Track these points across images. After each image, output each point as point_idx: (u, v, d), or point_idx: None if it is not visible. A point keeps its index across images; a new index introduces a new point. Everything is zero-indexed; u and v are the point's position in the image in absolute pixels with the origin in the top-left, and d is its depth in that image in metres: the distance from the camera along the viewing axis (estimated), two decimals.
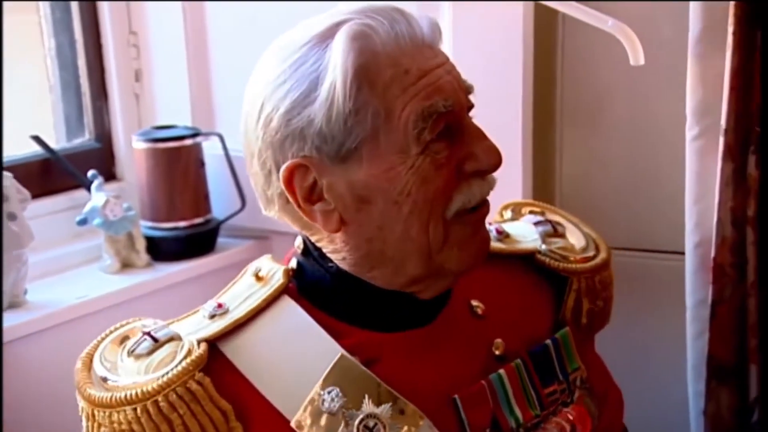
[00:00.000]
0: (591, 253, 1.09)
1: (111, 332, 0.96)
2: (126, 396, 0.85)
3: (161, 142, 1.78)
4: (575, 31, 1.67)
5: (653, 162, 1.68)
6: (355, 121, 0.85)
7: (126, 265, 1.75)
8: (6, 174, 1.54)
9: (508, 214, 1.17)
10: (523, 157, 1.63)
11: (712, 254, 1.43)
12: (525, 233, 1.09)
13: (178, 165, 1.79)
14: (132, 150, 1.83)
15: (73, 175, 1.76)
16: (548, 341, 1.00)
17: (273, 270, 0.95)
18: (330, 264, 0.93)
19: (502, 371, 0.94)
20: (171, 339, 0.90)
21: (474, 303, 0.98)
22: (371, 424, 0.86)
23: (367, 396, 0.87)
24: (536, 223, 1.10)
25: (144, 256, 1.76)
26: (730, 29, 1.32)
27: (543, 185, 1.74)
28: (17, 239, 1.54)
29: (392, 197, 0.86)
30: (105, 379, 0.89)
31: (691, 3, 1.38)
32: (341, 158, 0.86)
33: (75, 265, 1.75)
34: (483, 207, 0.91)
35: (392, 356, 0.91)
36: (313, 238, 0.93)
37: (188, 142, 1.80)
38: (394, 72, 0.85)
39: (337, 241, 0.91)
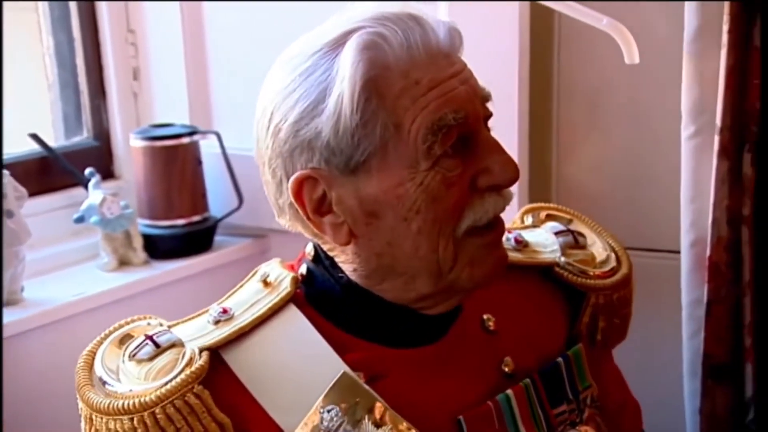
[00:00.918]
0: (611, 267, 1.06)
1: (115, 329, 0.95)
2: (124, 405, 0.85)
3: (159, 140, 1.78)
4: (572, 30, 1.67)
5: (649, 161, 1.68)
6: (363, 134, 0.83)
7: (123, 263, 1.75)
8: (3, 172, 1.55)
9: (528, 219, 1.13)
10: (520, 155, 1.63)
11: (708, 253, 1.43)
12: (545, 243, 1.06)
13: (176, 163, 1.79)
14: (130, 148, 1.84)
15: (70, 173, 1.77)
16: (559, 359, 0.97)
17: (281, 276, 0.93)
18: (341, 274, 0.91)
19: (510, 392, 0.92)
20: (173, 345, 0.89)
21: (486, 317, 0.96)
22: None
23: (366, 417, 0.85)
24: (557, 233, 1.07)
25: (141, 254, 1.76)
26: (725, 27, 1.32)
27: (539, 184, 1.75)
28: (14, 236, 1.55)
29: (401, 214, 0.85)
30: (104, 383, 0.88)
31: (686, 2, 1.38)
32: (350, 171, 0.84)
33: (72, 263, 1.76)
34: (497, 226, 0.89)
35: (398, 373, 0.89)
36: (325, 247, 0.91)
37: (185, 140, 1.80)
38: (405, 83, 0.83)
39: (348, 253, 0.89)
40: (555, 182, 1.77)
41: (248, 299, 0.93)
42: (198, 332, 0.90)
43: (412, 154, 0.83)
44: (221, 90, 1.92)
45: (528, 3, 1.57)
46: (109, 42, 1.89)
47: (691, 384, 1.51)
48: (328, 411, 0.85)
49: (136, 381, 0.87)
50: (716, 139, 1.38)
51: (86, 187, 1.74)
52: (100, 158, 1.92)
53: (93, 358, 0.91)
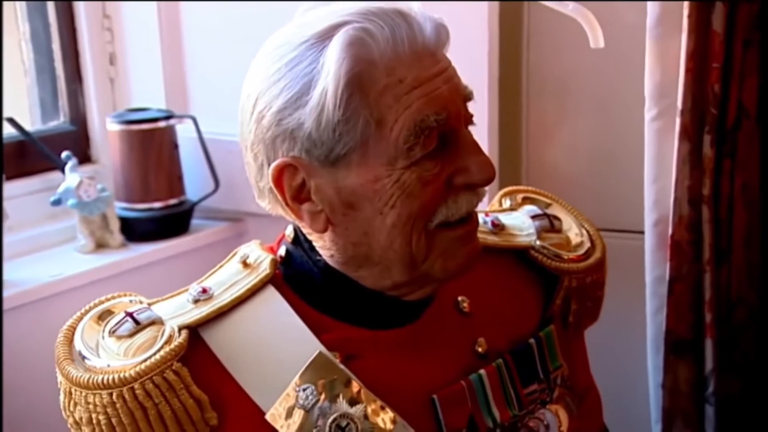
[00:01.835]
0: (585, 251, 1.07)
1: (95, 305, 0.95)
2: (103, 380, 0.86)
3: (135, 124, 1.80)
4: (541, 18, 1.70)
5: (617, 144, 1.72)
6: (345, 129, 0.84)
7: (100, 246, 1.78)
8: None
9: (506, 202, 1.14)
10: (490, 139, 1.66)
11: (670, 232, 1.47)
12: (521, 226, 1.07)
13: (152, 147, 1.81)
14: (106, 132, 1.85)
15: (47, 157, 1.78)
16: (531, 340, 0.99)
17: (261, 258, 0.95)
18: (318, 258, 0.92)
19: (482, 371, 0.94)
20: (153, 323, 0.90)
21: (460, 299, 0.98)
22: (344, 423, 0.87)
23: (341, 395, 0.87)
24: (534, 217, 1.08)
25: (118, 237, 1.78)
26: (685, 12, 1.36)
27: (510, 169, 1.78)
28: None
29: (377, 207, 0.86)
30: (84, 357, 0.89)
31: None
32: (330, 163, 0.85)
33: (50, 246, 1.77)
34: (470, 220, 0.90)
35: (373, 354, 0.91)
36: (305, 230, 0.93)
37: (162, 124, 1.82)
38: (389, 81, 0.84)
39: (326, 239, 0.91)
40: (525, 167, 1.80)
41: (228, 279, 0.94)
42: (177, 310, 0.92)
43: (391, 151, 0.84)
44: (197, 75, 1.93)
45: None
46: (85, 27, 1.90)
47: (654, 359, 1.55)
48: (304, 389, 0.87)
49: (115, 357, 0.88)
50: (677, 121, 1.42)
51: (63, 170, 1.76)
52: (77, 142, 1.93)
53: (73, 333, 0.92)
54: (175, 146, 1.86)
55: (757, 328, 1.49)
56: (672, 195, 1.45)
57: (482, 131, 1.63)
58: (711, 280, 1.45)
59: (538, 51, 1.74)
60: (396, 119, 0.84)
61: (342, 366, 0.88)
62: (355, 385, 0.88)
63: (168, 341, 0.88)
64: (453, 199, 0.87)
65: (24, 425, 1.56)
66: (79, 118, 1.95)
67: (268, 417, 0.87)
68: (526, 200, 1.14)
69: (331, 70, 0.83)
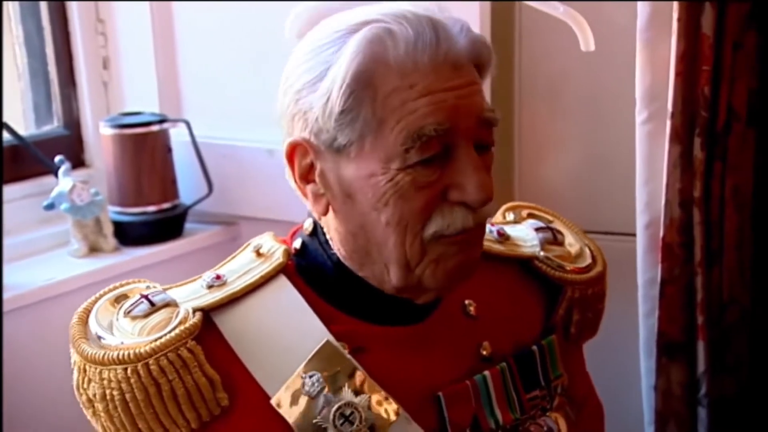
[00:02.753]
0: (587, 264, 1.09)
1: (110, 290, 0.98)
2: (118, 356, 0.87)
3: (128, 128, 1.81)
4: (533, 20, 1.70)
5: (608, 146, 1.72)
6: (346, 121, 0.86)
7: (94, 250, 1.78)
8: None
9: (510, 216, 1.17)
10: None
11: (661, 234, 1.47)
12: (525, 237, 1.09)
13: (145, 151, 1.82)
14: (100, 136, 1.86)
15: (41, 162, 1.79)
16: (534, 347, 1.01)
17: (274, 248, 0.97)
18: (332, 252, 0.94)
19: (487, 373, 0.95)
20: (167, 305, 0.92)
21: (467, 302, 0.99)
22: (348, 412, 0.88)
23: (347, 384, 0.89)
24: (537, 229, 1.10)
25: (111, 241, 1.78)
26: (675, 15, 1.36)
27: (502, 170, 1.78)
28: None
29: (371, 203, 0.88)
30: (100, 338, 0.91)
31: None
32: (335, 150, 0.88)
33: (43, 250, 1.77)
34: (467, 232, 0.89)
35: (380, 348, 0.93)
36: (321, 222, 0.95)
37: (155, 128, 1.83)
38: (399, 84, 0.85)
39: (331, 228, 0.93)
40: (518, 170, 1.81)
41: (241, 268, 0.96)
42: (191, 295, 0.94)
43: (389, 151, 0.86)
44: (191, 78, 1.94)
45: None
46: (79, 31, 1.91)
47: (646, 362, 1.55)
48: (310, 377, 0.88)
49: (129, 335, 0.90)
50: (668, 124, 1.42)
51: (56, 174, 1.76)
52: (71, 147, 1.93)
53: (87, 315, 0.94)
54: (169, 150, 1.86)
55: (749, 329, 1.49)
56: (663, 197, 1.46)
57: None
58: (702, 282, 1.45)
59: (529, 53, 1.75)
60: (398, 121, 0.85)
61: (349, 356, 0.90)
62: (361, 376, 0.90)
63: (182, 321, 0.90)
64: (449, 210, 0.88)
65: (16, 427, 1.56)
66: (72, 122, 1.95)
67: (273, 401, 0.89)
68: (530, 216, 1.16)
69: (343, 62, 0.86)
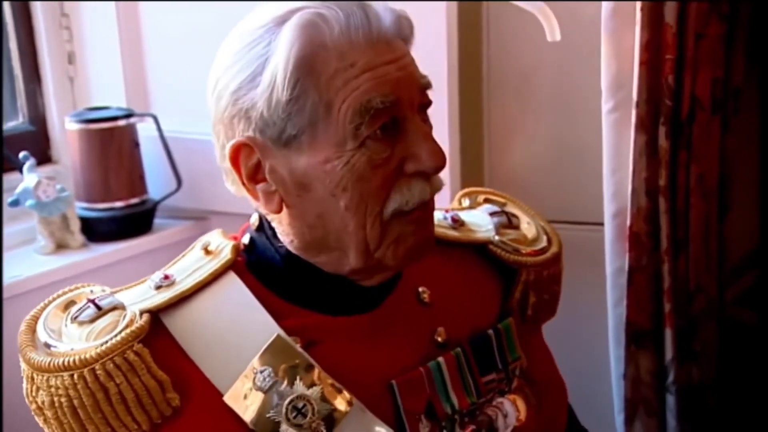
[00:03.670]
0: (542, 246, 1.10)
1: (58, 296, 0.97)
2: (64, 362, 0.87)
3: (94, 123, 1.79)
4: (500, 9, 1.71)
5: (576, 136, 1.73)
6: (294, 109, 0.86)
7: (61, 246, 1.76)
8: None
9: (466, 202, 1.16)
10: (451, 135, 1.66)
11: (629, 223, 1.48)
12: (480, 222, 1.09)
13: (112, 146, 1.80)
14: (66, 132, 1.84)
15: (6, 158, 1.76)
16: (490, 331, 1.01)
17: (222, 245, 0.96)
18: (280, 244, 0.94)
19: (440, 359, 0.95)
20: (114, 308, 0.91)
21: (421, 290, 0.99)
22: (300, 405, 0.88)
23: (298, 377, 0.88)
24: (492, 214, 1.10)
25: (79, 237, 1.77)
26: (638, 5, 1.37)
27: (472, 162, 1.79)
28: None
29: (329, 189, 0.87)
30: (48, 345, 0.90)
31: None
32: (283, 143, 0.87)
33: (9, 247, 1.75)
34: (423, 207, 0.90)
35: (333, 340, 0.92)
36: (262, 213, 0.95)
37: (122, 122, 1.81)
38: (340, 65, 0.85)
39: (284, 223, 0.92)
40: (487, 162, 1.82)
41: (190, 266, 0.95)
42: (140, 297, 0.93)
43: (340, 133, 0.86)
44: (158, 73, 1.92)
45: None
46: (43, 26, 1.89)
47: (616, 350, 1.57)
48: (261, 372, 0.88)
49: (77, 341, 0.89)
50: (633, 113, 1.43)
51: (21, 171, 1.74)
52: (37, 143, 1.91)
53: (35, 322, 0.93)
54: (136, 145, 1.85)
55: (715, 316, 1.51)
56: (630, 187, 1.47)
57: (443, 127, 1.64)
58: (669, 270, 1.47)
59: (497, 47, 1.76)
60: (344, 100, 0.85)
61: (300, 349, 0.90)
62: (313, 368, 0.89)
63: (129, 324, 0.89)
64: (406, 186, 0.88)
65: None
66: (38, 118, 1.93)
67: (226, 398, 0.88)
68: (485, 201, 1.17)
69: (282, 51, 0.85)
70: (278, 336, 0.90)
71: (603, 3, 1.44)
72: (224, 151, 0.91)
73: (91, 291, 0.97)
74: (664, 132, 1.42)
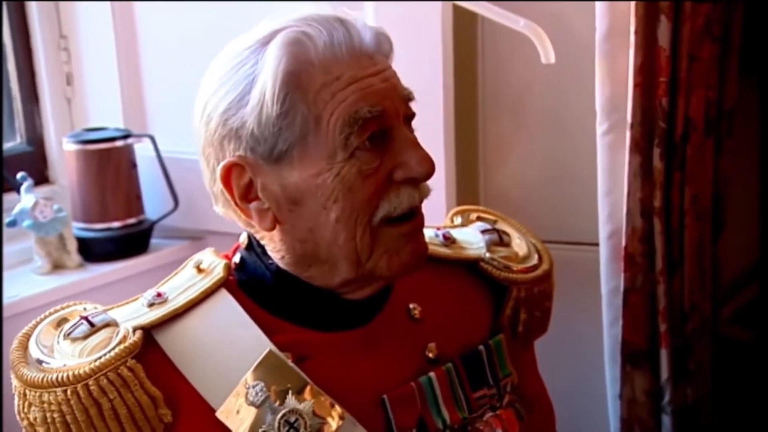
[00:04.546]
0: (533, 263, 1.11)
1: (50, 314, 0.97)
2: (57, 378, 0.87)
3: (92, 143, 1.80)
4: (495, 29, 1.72)
5: (570, 157, 1.74)
6: (284, 125, 0.87)
7: (57, 266, 1.76)
8: None
9: (458, 220, 1.18)
10: (446, 154, 1.67)
11: (624, 244, 1.49)
12: (472, 240, 1.11)
13: (109, 166, 1.81)
14: (63, 152, 1.84)
15: (3, 178, 1.77)
16: (481, 347, 1.02)
17: (214, 263, 0.98)
18: (270, 261, 0.95)
19: (432, 374, 0.96)
20: (107, 325, 0.92)
21: (412, 306, 1.00)
22: (292, 419, 0.89)
23: (291, 392, 0.89)
24: (483, 231, 1.12)
25: (76, 257, 1.77)
26: (632, 28, 1.39)
27: (467, 181, 1.80)
28: None
29: (320, 202, 0.89)
30: (40, 362, 0.90)
31: (597, 3, 1.44)
32: (274, 160, 0.89)
33: (6, 267, 1.74)
34: (415, 218, 0.92)
35: (324, 355, 0.93)
36: (257, 236, 0.96)
37: (119, 143, 1.82)
38: (326, 79, 0.88)
39: (275, 240, 0.93)
40: (482, 182, 1.82)
41: (182, 284, 0.97)
42: (132, 314, 0.94)
43: (330, 145, 0.88)
44: (155, 94, 1.93)
45: (450, 5, 1.62)
46: (41, 47, 1.90)
47: (611, 370, 1.57)
48: (254, 387, 0.89)
49: (69, 358, 0.90)
50: (628, 134, 1.44)
51: (18, 191, 1.74)
52: (34, 163, 1.92)
53: (27, 340, 0.94)
54: (134, 165, 1.85)
55: (709, 335, 1.51)
56: (624, 207, 1.48)
57: (438, 146, 1.65)
58: (664, 290, 1.47)
59: (492, 67, 1.77)
60: (332, 113, 0.88)
61: (291, 364, 0.91)
62: (304, 383, 0.90)
63: (122, 340, 0.90)
64: (395, 193, 0.90)
65: None
66: (36, 138, 1.94)
67: (218, 414, 0.89)
68: (477, 219, 1.18)
69: (269, 68, 0.88)
70: (270, 351, 0.91)
71: (597, 26, 1.45)
72: (215, 174, 0.92)
73: (84, 308, 0.98)
74: (659, 153, 1.43)
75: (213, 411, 0.89)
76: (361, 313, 0.97)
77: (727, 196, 1.50)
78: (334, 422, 0.90)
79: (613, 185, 1.50)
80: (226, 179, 0.91)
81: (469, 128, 1.78)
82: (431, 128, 1.64)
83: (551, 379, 1.19)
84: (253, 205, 0.92)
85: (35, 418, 0.89)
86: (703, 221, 1.47)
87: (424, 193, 0.93)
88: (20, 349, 0.93)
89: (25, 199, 1.73)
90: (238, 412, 0.89)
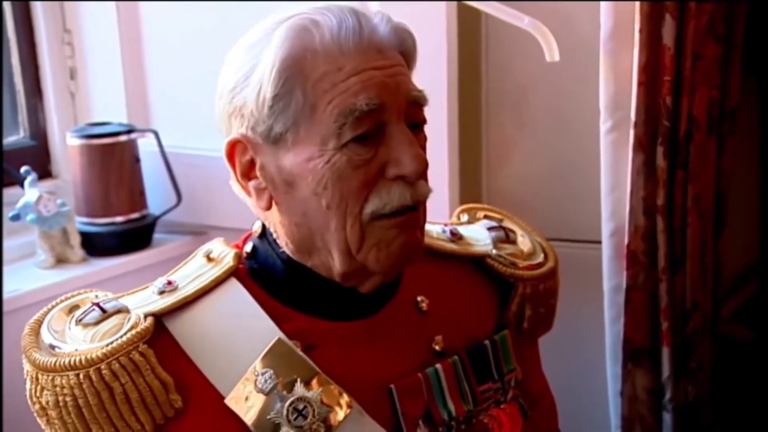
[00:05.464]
0: (538, 260, 1.11)
1: (62, 300, 0.98)
2: (70, 362, 0.88)
3: (95, 138, 1.80)
4: (499, 27, 1.72)
5: (573, 155, 1.74)
6: (279, 108, 0.89)
7: (61, 261, 1.76)
8: None
9: (464, 217, 1.19)
10: (449, 150, 1.68)
11: (626, 242, 1.49)
12: (478, 237, 1.11)
13: (113, 161, 1.81)
14: (67, 147, 1.84)
15: (7, 172, 1.77)
16: (486, 341, 1.03)
17: (224, 253, 0.99)
18: (282, 250, 0.96)
19: (438, 366, 0.97)
20: (119, 311, 0.93)
21: (419, 298, 1.01)
22: (301, 406, 0.90)
23: (299, 380, 0.90)
24: (490, 228, 1.12)
25: (79, 252, 1.77)
26: (637, 27, 1.39)
27: (470, 179, 1.80)
28: None
29: (312, 188, 0.90)
30: (52, 347, 0.91)
31: (602, 1, 1.44)
32: (272, 141, 0.90)
33: (9, 261, 1.75)
34: (408, 212, 0.91)
35: (332, 344, 0.94)
36: (265, 222, 0.97)
37: (123, 138, 1.82)
38: (328, 68, 0.88)
39: (276, 222, 0.95)
40: (485, 180, 1.83)
41: (192, 272, 0.98)
42: (143, 301, 0.95)
43: (323, 132, 0.88)
44: (159, 88, 1.93)
45: (455, 4, 1.62)
46: (45, 42, 1.90)
47: (612, 367, 1.57)
48: (263, 374, 0.90)
49: (81, 343, 0.91)
50: (631, 133, 1.44)
51: (22, 185, 1.75)
52: (38, 157, 1.92)
53: (39, 326, 0.95)
54: (137, 160, 1.86)
55: (710, 333, 1.52)
56: (627, 205, 1.48)
57: (442, 144, 1.66)
58: (666, 288, 1.48)
59: (496, 64, 1.77)
60: (329, 101, 0.88)
61: (300, 352, 0.92)
62: (313, 372, 0.91)
63: (134, 326, 0.91)
64: (386, 190, 0.90)
65: None
66: (39, 132, 1.94)
67: (227, 401, 0.90)
68: (484, 216, 1.19)
69: (272, 51, 0.89)
70: (279, 339, 0.92)
71: (602, 24, 1.45)
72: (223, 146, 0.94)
73: (96, 296, 0.99)
74: (662, 152, 1.43)
75: (222, 397, 0.90)
76: (369, 303, 0.97)
77: (729, 194, 1.51)
78: (341, 411, 0.91)
79: (616, 183, 1.50)
80: (231, 155, 0.93)
81: (472, 126, 1.79)
82: (435, 126, 1.62)
83: (553, 376, 1.19)
84: (252, 183, 0.94)
85: (47, 402, 0.90)
86: (705, 219, 1.47)
87: (423, 193, 0.92)
88: (32, 335, 0.93)
89: (29, 193, 1.73)
90: (247, 398, 0.90)
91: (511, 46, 1.74)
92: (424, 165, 0.90)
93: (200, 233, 1.93)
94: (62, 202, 1.76)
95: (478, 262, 1.09)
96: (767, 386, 1.59)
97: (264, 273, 0.97)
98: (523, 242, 1.14)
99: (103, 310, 0.93)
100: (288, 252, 0.96)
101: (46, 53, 1.91)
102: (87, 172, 1.80)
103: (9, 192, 1.81)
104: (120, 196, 1.83)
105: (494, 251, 1.09)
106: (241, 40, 0.94)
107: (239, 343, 0.92)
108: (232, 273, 0.97)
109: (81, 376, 0.88)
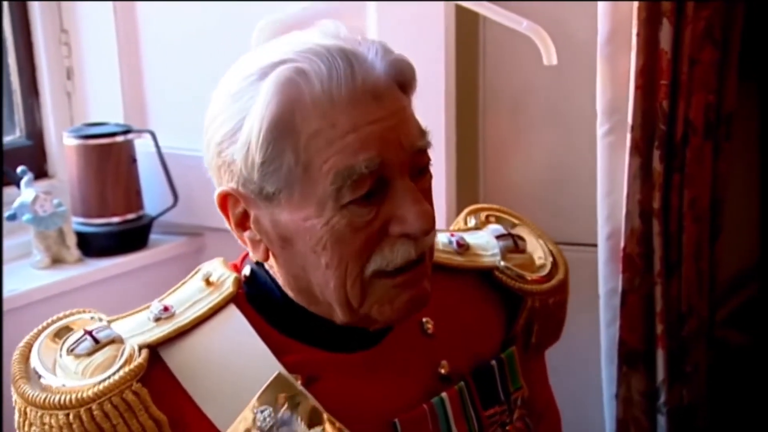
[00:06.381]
0: (548, 272, 1.07)
1: (53, 321, 0.94)
2: (60, 400, 0.85)
3: (92, 138, 1.79)
4: (496, 30, 1.73)
5: (570, 158, 1.75)
6: (269, 170, 0.84)
7: (57, 261, 1.76)
8: None
9: (471, 221, 1.13)
10: (447, 155, 1.68)
11: (622, 245, 1.50)
12: (486, 246, 1.06)
13: (110, 161, 1.80)
14: (63, 147, 1.84)
15: (3, 172, 1.77)
16: (493, 361, 0.99)
17: (224, 276, 0.94)
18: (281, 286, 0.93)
19: (444, 395, 0.94)
20: (112, 341, 0.89)
21: (425, 320, 0.97)
22: None
23: (299, 418, 0.87)
24: (498, 237, 1.07)
25: (75, 252, 1.77)
26: (634, 31, 1.40)
27: (467, 182, 1.80)
28: None
29: (310, 246, 0.86)
30: (39, 376, 0.88)
31: (599, 4, 1.45)
32: (264, 198, 0.86)
33: (5, 261, 1.73)
34: (413, 268, 0.87)
35: (334, 376, 0.91)
36: (265, 265, 0.93)
37: (119, 138, 1.82)
38: (321, 124, 0.82)
39: (274, 269, 0.91)
40: (482, 182, 1.83)
41: (190, 297, 0.93)
42: (138, 329, 0.91)
43: (319, 193, 0.83)
44: (156, 89, 1.93)
45: (453, 6, 1.62)
46: (42, 42, 1.89)
47: (608, 370, 1.58)
48: (261, 411, 0.87)
49: (72, 376, 0.87)
50: (628, 136, 1.45)
51: (18, 185, 1.74)
52: (34, 157, 1.91)
53: (29, 350, 0.91)
54: (134, 161, 1.85)
55: (706, 337, 1.52)
56: (623, 209, 1.48)
57: (439, 147, 1.65)
58: (662, 292, 1.48)
59: (493, 68, 1.78)
60: (325, 161, 0.83)
61: (301, 388, 0.88)
62: (314, 407, 0.88)
63: (128, 361, 0.87)
64: (389, 248, 0.86)
65: None
66: (35, 132, 1.93)
67: None
68: (491, 219, 1.14)
69: (258, 110, 0.83)
70: (279, 374, 0.88)
71: (599, 28, 1.46)
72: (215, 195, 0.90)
73: (91, 318, 0.95)
74: (658, 156, 1.44)
75: None
76: (372, 333, 0.94)
77: (725, 199, 1.51)
78: None
79: (613, 187, 1.51)
80: (223, 205, 0.89)
81: (469, 129, 1.79)
82: (431, 128, 1.63)
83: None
84: (247, 234, 0.89)
85: None
86: (701, 223, 1.48)
87: (426, 245, 0.88)
88: (21, 362, 0.90)
89: (25, 193, 1.72)
90: None
91: (508, 50, 1.75)
92: (431, 222, 0.85)
93: (196, 234, 1.93)
94: (58, 202, 1.76)
95: (484, 273, 1.04)
96: (762, 391, 1.60)
97: (262, 300, 0.93)
98: (533, 251, 1.09)
99: (96, 340, 0.89)
100: (288, 294, 0.92)
101: (43, 53, 1.90)
102: (83, 172, 1.80)
103: (5, 192, 1.79)
104: (116, 196, 1.82)
105: (502, 263, 1.04)
106: (224, 84, 0.88)
107: (238, 377, 0.88)
108: (231, 299, 0.92)
109: (71, 417, 0.84)
